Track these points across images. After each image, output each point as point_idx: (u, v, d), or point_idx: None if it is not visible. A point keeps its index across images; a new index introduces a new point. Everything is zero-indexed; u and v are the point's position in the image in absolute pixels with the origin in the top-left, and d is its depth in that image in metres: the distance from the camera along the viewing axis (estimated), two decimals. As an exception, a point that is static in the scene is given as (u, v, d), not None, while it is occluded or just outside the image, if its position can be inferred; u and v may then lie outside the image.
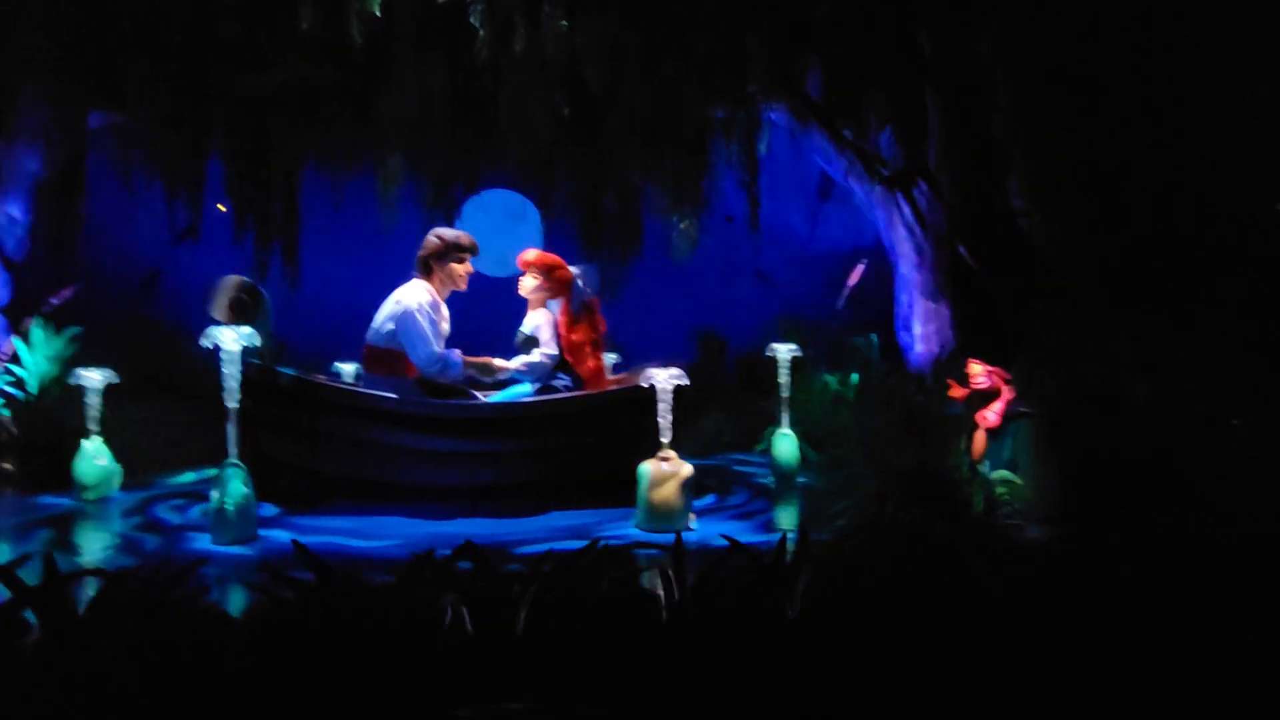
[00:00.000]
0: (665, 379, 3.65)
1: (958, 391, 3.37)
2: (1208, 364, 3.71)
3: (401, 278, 4.42)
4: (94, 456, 4.31)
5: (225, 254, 6.95)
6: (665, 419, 3.64)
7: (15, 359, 5.16)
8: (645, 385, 3.73)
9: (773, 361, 4.70)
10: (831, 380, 5.63)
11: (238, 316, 4.12)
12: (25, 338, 5.13)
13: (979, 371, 3.37)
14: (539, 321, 4.51)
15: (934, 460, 3.36)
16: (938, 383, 4.87)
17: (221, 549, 3.29)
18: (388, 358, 4.27)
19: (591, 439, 4.21)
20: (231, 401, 3.42)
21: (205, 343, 3.43)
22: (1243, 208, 4.14)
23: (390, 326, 4.22)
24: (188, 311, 6.94)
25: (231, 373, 3.42)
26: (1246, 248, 4.33)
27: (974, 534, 3.16)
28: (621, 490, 3.88)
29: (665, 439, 3.65)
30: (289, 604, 2.22)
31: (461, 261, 4.44)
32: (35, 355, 5.20)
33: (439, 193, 6.39)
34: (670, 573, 2.35)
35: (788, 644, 2.14)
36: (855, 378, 5.59)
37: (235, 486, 3.31)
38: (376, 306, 4.36)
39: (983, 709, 1.97)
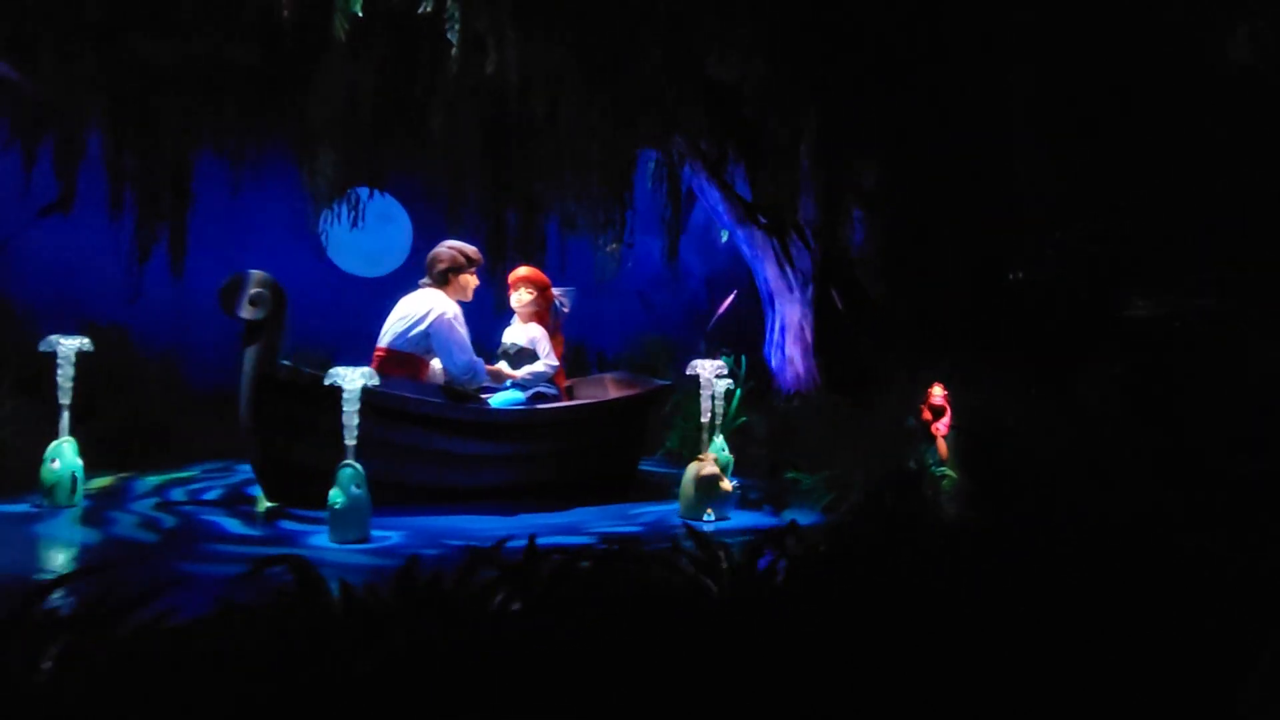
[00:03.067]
0: (710, 369, 4.32)
1: (928, 415, 4.45)
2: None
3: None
4: (66, 455, 3.93)
5: (88, 234, 6.30)
6: (707, 409, 4.32)
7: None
8: (691, 374, 4.37)
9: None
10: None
11: (261, 314, 4.06)
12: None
13: (939, 394, 4.48)
14: (533, 335, 4.90)
15: (903, 461, 4.41)
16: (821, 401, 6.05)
17: (339, 546, 3.39)
18: (409, 361, 4.43)
19: (610, 437, 4.74)
20: (350, 439, 3.48)
21: (326, 381, 3.48)
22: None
23: (419, 331, 4.39)
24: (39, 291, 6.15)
25: (351, 410, 3.48)
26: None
27: (933, 512, 4.26)
28: (629, 484, 4.43)
29: (708, 417, 4.34)
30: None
31: (472, 274, 4.70)
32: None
33: (340, 191, 6.32)
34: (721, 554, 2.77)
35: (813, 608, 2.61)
36: (739, 392, 6.58)
37: (352, 488, 3.41)
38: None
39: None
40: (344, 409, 3.48)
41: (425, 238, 8.12)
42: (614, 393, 5.23)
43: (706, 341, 7.50)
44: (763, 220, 6.81)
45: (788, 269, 6.77)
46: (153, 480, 4.83)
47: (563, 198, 6.41)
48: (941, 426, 4.49)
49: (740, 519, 4.27)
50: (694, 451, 5.20)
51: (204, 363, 6.61)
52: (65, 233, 6.26)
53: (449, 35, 5.26)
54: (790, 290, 6.77)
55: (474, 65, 5.51)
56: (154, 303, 6.59)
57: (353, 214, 6.59)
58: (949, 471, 4.50)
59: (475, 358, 4.50)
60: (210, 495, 4.59)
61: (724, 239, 7.44)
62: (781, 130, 6.48)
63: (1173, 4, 6.13)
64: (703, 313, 7.62)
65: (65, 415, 4.01)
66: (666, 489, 5.18)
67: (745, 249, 7.01)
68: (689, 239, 7.24)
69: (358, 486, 3.43)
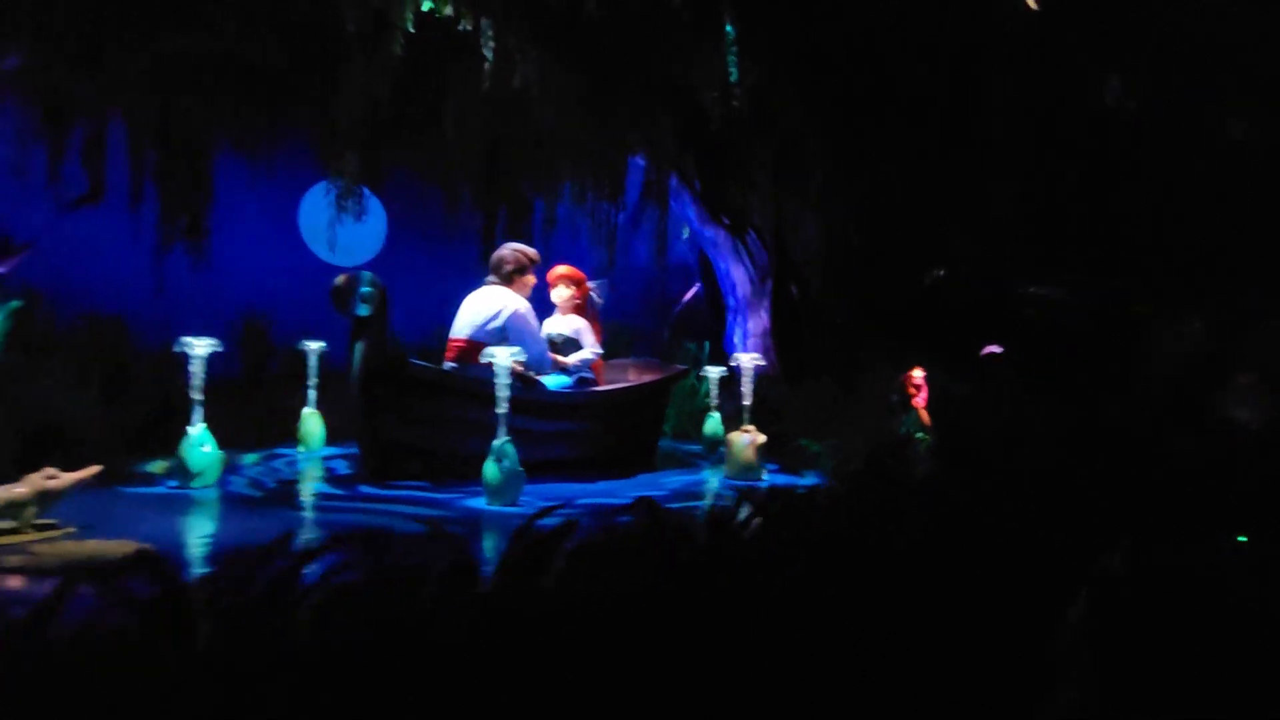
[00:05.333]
0: (749, 361, 5.19)
1: (912, 390, 5.51)
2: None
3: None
4: (201, 440, 4.27)
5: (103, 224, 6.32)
6: (748, 393, 5.18)
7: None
8: (734, 366, 5.22)
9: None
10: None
11: (369, 310, 4.53)
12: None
13: (919, 375, 5.55)
14: (577, 326, 5.56)
15: (893, 429, 5.46)
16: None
17: (497, 509, 4.00)
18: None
19: (643, 415, 5.49)
20: (502, 407, 4.08)
21: (483, 359, 4.05)
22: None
23: (496, 325, 4.96)
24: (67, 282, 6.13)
25: (502, 383, 4.08)
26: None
27: (919, 467, 5.34)
28: (653, 456, 5.22)
29: (747, 400, 5.20)
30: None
31: (532, 273, 5.30)
32: (-14, 331, 4.58)
33: (349, 188, 6.63)
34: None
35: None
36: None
37: (508, 460, 4.03)
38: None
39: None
40: (496, 381, 4.07)
41: (399, 231, 8.49)
42: (635, 376, 5.98)
43: (670, 331, 8.34)
44: (725, 221, 7.72)
45: (749, 266, 7.72)
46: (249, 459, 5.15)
47: (551, 196, 7.02)
48: (920, 400, 5.58)
49: (772, 479, 5.18)
50: (695, 428, 6.12)
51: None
52: (67, 224, 6.24)
53: (484, 50, 5.78)
54: (750, 285, 7.72)
55: (491, 75, 6.06)
56: (144, 292, 6.65)
57: (354, 208, 6.88)
58: (925, 436, 5.60)
59: (546, 347, 5.13)
60: (307, 471, 4.99)
61: (684, 235, 8.28)
62: (742, 143, 7.38)
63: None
64: (660, 303, 8.44)
65: (198, 408, 4.32)
66: (683, 459, 6.01)
67: (709, 247, 7.89)
68: (649, 233, 8.02)
69: (511, 458, 4.04)
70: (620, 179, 6.94)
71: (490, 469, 4.00)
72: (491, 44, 5.73)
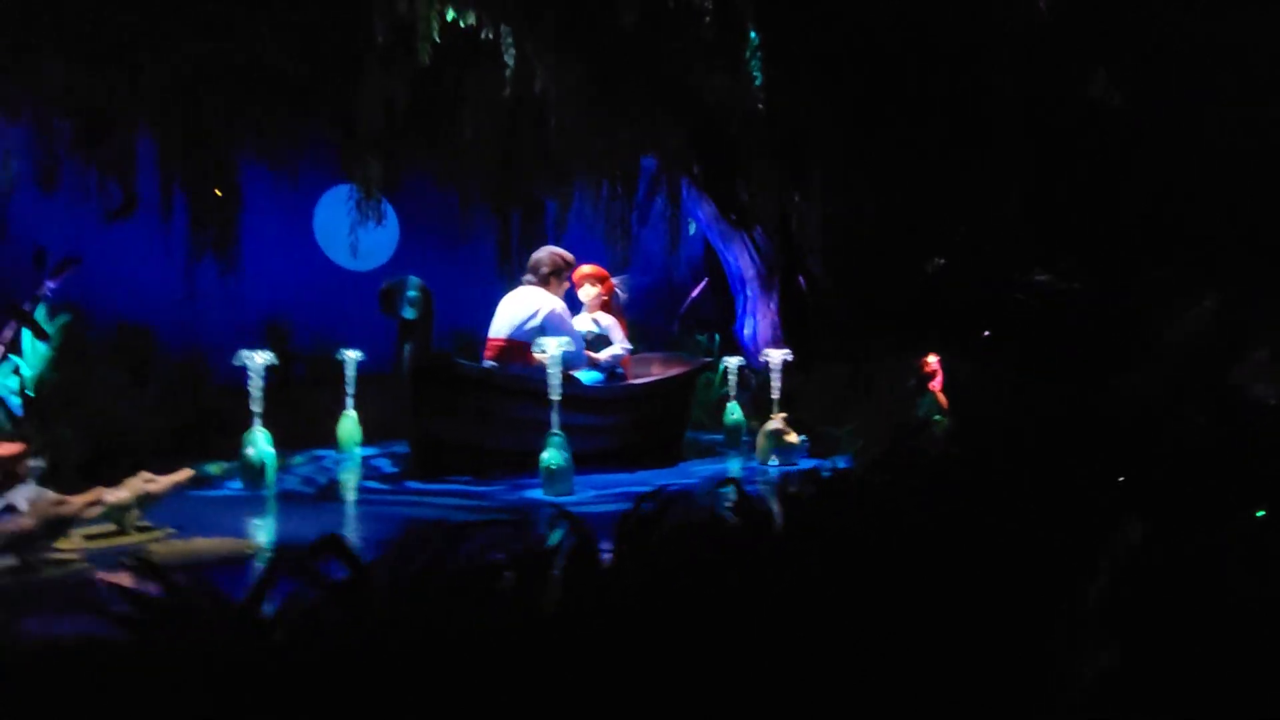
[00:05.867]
0: (778, 356, 5.41)
1: (929, 371, 5.76)
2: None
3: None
4: (261, 443, 4.41)
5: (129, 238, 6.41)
6: (777, 386, 5.40)
7: (15, 348, 4.60)
8: (763, 360, 5.43)
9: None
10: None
11: (416, 313, 4.69)
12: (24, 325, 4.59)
13: (934, 361, 5.80)
14: (606, 323, 5.75)
15: (912, 412, 5.71)
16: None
17: (552, 499, 4.19)
18: (523, 351, 5.16)
19: (671, 407, 5.70)
20: (555, 395, 4.26)
21: (536, 351, 4.23)
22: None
23: (535, 324, 5.13)
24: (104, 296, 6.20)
25: (554, 374, 4.27)
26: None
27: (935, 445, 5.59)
28: (680, 447, 5.47)
29: (775, 394, 5.42)
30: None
31: (566, 275, 5.48)
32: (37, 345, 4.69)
33: (371, 193, 6.76)
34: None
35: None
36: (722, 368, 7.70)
37: (559, 452, 4.22)
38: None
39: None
40: (549, 372, 4.26)
41: (410, 235, 8.60)
42: (659, 370, 6.17)
43: (679, 324, 8.54)
44: (733, 217, 7.93)
45: (756, 259, 7.94)
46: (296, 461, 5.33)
47: (565, 197, 7.19)
48: (936, 384, 5.83)
49: (805, 464, 5.41)
50: (711, 419, 6.35)
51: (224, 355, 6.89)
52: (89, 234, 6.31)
53: (505, 57, 5.94)
54: (758, 278, 7.94)
55: (510, 80, 6.21)
56: (166, 300, 6.74)
57: (374, 213, 7.01)
58: (942, 418, 5.85)
59: (583, 344, 5.32)
60: (357, 470, 5.20)
61: (691, 230, 8.48)
62: (749, 141, 7.59)
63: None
64: (668, 297, 8.63)
65: (257, 418, 4.46)
66: (706, 449, 6.23)
67: (717, 242, 8.10)
68: (657, 230, 8.21)
69: (566, 450, 4.23)
70: (633, 179, 7.13)
71: (547, 460, 4.18)
72: (512, 50, 5.88)
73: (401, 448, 5.30)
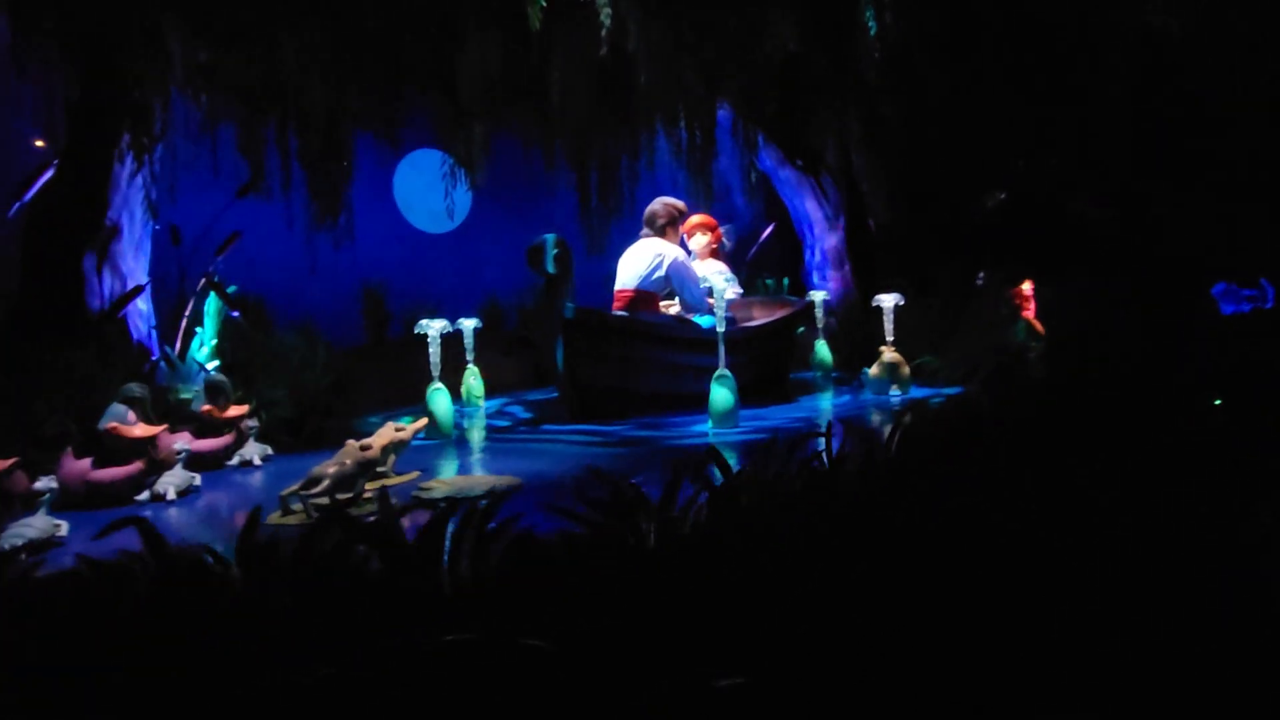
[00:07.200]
0: (890, 300, 5.74)
1: (1023, 299, 6.10)
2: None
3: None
4: (442, 398, 4.73)
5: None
6: (890, 326, 5.74)
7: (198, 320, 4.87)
8: (875, 305, 5.77)
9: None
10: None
11: (558, 268, 4.98)
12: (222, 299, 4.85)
13: (1028, 288, 6.15)
14: (718, 269, 6.05)
15: (1009, 339, 6.08)
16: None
17: (721, 433, 4.54)
18: (650, 300, 5.47)
19: (779, 347, 6.05)
20: (721, 326, 4.59)
21: (706, 284, 4.55)
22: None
23: (660, 274, 5.43)
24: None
25: (721, 316, 4.60)
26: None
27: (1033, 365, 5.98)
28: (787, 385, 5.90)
29: (890, 338, 5.76)
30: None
31: (681, 224, 5.76)
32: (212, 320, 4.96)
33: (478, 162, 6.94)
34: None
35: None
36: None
37: (727, 393, 4.56)
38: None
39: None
40: (716, 314, 4.60)
41: (481, 197, 8.80)
42: (759, 312, 6.50)
43: (748, 269, 8.83)
44: (799, 163, 8.18)
45: (824, 203, 8.21)
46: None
47: (647, 148, 7.41)
48: (1029, 311, 6.19)
49: (916, 392, 5.78)
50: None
51: (334, 322, 7.13)
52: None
53: (602, 17, 6.13)
54: (826, 220, 8.23)
55: (606, 36, 6.41)
56: (271, 270, 6.96)
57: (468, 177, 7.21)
58: (1038, 343, 6.23)
59: (705, 291, 5.62)
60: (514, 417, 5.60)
61: (752, 178, 8.72)
62: (815, 88, 7.82)
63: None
64: (737, 242, 8.90)
65: (437, 378, 4.78)
66: (808, 385, 6.59)
67: (783, 188, 8.36)
68: (729, 178, 8.44)
69: (733, 389, 4.56)
70: (712, 128, 7.35)
71: (714, 397, 4.52)
72: (608, 9, 6.07)
73: (513, 401, 5.64)
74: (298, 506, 2.96)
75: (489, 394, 6.35)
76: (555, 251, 4.96)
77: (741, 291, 6.11)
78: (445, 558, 1.86)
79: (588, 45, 6.26)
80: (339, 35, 5.95)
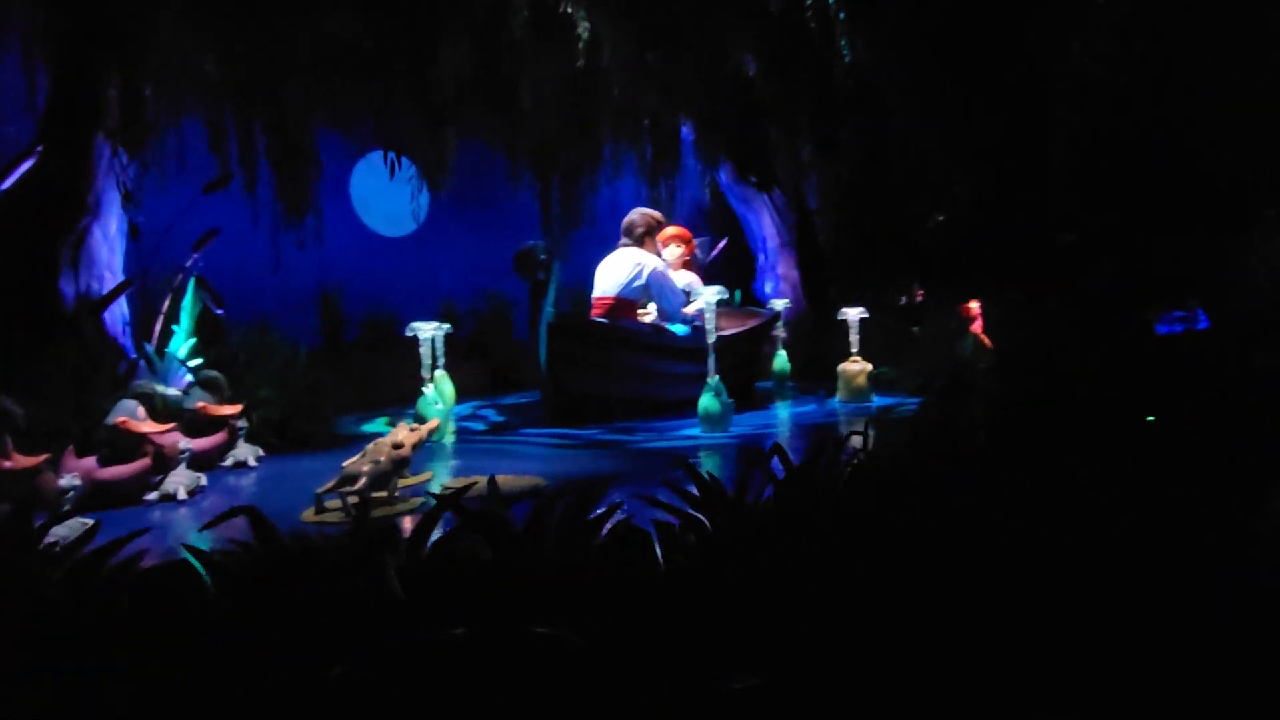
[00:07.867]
0: (855, 314, 6.00)
1: (970, 315, 6.47)
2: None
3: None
4: (434, 401, 4.73)
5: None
6: (855, 338, 6.00)
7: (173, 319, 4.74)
8: (840, 318, 6.01)
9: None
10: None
11: (543, 274, 5.06)
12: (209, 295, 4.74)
13: (975, 307, 6.52)
14: (689, 280, 6.20)
15: (960, 352, 6.43)
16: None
17: (711, 437, 4.68)
18: (630, 308, 5.58)
19: (747, 356, 6.25)
20: (712, 337, 4.73)
21: (693, 299, 4.67)
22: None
23: (640, 283, 5.55)
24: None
25: (710, 315, 4.73)
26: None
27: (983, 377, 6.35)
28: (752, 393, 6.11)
29: (855, 350, 6.02)
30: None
31: (659, 235, 5.90)
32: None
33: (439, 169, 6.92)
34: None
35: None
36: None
37: (718, 398, 4.71)
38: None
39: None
40: (705, 319, 4.74)
41: (440, 202, 8.76)
42: (726, 323, 6.68)
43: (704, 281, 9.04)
44: (753, 180, 8.45)
45: (776, 219, 8.50)
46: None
47: (612, 162, 7.55)
48: (977, 326, 6.57)
49: (879, 400, 6.07)
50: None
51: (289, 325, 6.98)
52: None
53: (579, 30, 6.24)
54: (778, 236, 8.52)
55: (577, 50, 6.51)
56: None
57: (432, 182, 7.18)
58: (985, 357, 6.61)
59: (683, 299, 5.77)
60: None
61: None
62: (769, 107, 8.10)
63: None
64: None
65: (428, 380, 4.77)
66: (768, 395, 6.81)
67: (738, 204, 8.61)
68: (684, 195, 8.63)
69: (722, 394, 4.71)
70: (677, 144, 7.54)
71: (707, 402, 4.66)
72: (585, 22, 6.19)
73: (484, 405, 5.69)
74: (331, 503, 2.95)
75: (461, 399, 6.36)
76: (543, 258, 5.03)
77: (713, 303, 6.26)
78: (551, 545, 1.95)
79: (561, 57, 6.37)
80: (311, 33, 5.89)
